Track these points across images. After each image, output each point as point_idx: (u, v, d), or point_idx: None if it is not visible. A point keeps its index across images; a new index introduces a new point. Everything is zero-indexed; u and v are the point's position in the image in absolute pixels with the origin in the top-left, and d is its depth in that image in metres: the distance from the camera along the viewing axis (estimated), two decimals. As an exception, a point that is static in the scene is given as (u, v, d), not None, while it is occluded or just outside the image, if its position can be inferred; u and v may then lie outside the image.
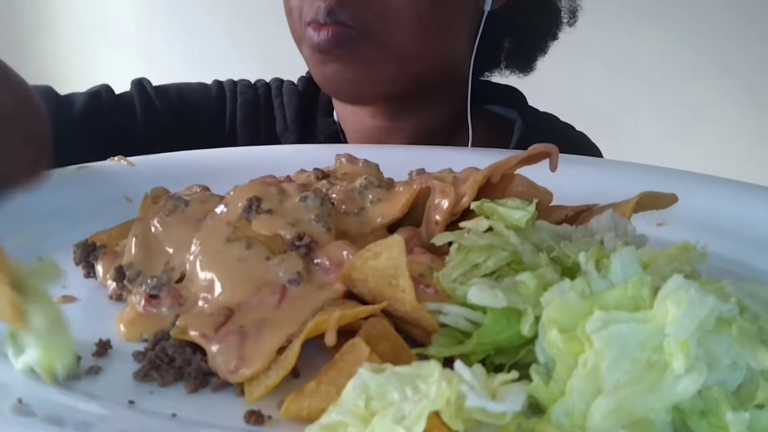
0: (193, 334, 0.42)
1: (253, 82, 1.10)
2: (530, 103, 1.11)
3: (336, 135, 1.03)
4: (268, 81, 1.10)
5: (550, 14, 1.07)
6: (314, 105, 1.07)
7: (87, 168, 0.76)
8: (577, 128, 1.14)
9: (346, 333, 0.39)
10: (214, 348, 0.40)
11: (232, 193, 0.52)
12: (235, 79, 1.09)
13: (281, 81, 1.10)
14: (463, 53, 0.98)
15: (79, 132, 0.92)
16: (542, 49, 1.10)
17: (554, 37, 1.10)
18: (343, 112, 1.04)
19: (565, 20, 1.09)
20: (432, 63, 0.93)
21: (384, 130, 1.01)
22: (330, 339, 0.38)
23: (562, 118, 1.15)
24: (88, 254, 0.54)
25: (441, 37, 0.91)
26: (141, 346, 0.44)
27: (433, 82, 0.95)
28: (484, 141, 1.00)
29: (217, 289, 0.45)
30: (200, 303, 0.46)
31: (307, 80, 1.08)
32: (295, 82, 1.09)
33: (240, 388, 0.39)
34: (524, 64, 1.11)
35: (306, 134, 1.03)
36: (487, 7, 0.93)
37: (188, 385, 0.40)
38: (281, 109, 1.05)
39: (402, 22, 0.85)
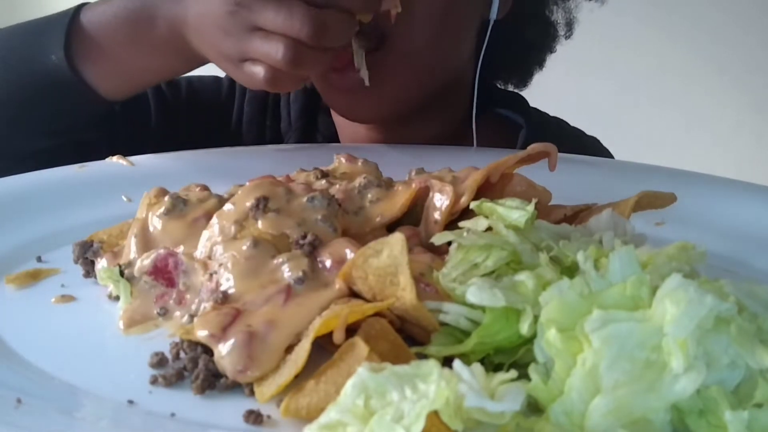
0: (200, 334, 0.42)
1: None
2: (530, 103, 1.10)
3: (335, 137, 1.03)
4: None
5: (544, 27, 1.06)
6: (317, 104, 1.06)
7: (87, 167, 0.76)
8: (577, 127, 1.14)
9: (345, 332, 0.39)
10: (222, 348, 0.40)
11: (239, 191, 0.52)
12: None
13: None
14: (467, 64, 0.97)
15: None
16: (539, 63, 1.10)
17: (551, 50, 1.09)
18: (340, 122, 1.03)
19: (561, 33, 1.08)
20: (444, 75, 0.92)
21: (381, 143, 1.00)
22: (339, 337, 0.38)
23: (561, 118, 1.14)
24: (85, 251, 0.55)
25: (453, 45, 0.90)
26: (141, 344, 0.44)
27: (437, 94, 0.94)
28: (490, 144, 0.99)
29: (222, 287, 0.45)
30: (203, 303, 0.46)
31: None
32: None
33: (249, 389, 0.39)
34: (519, 78, 1.10)
35: (307, 134, 1.03)
36: (493, 16, 0.91)
37: (195, 387, 0.40)
38: (287, 107, 1.04)
39: (417, 24, 0.83)
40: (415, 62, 0.85)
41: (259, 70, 0.72)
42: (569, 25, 1.08)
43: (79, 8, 0.85)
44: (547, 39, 1.07)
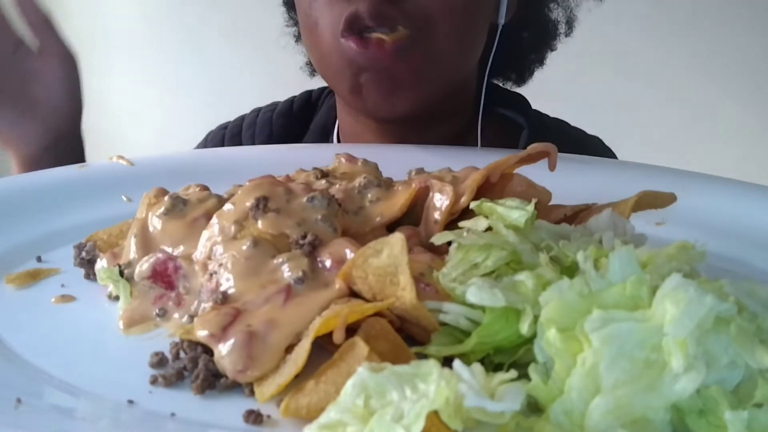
0: (200, 334, 0.42)
1: (227, 122, 1.14)
2: (531, 103, 1.10)
3: None
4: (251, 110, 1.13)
5: (545, 26, 1.07)
6: (304, 129, 1.07)
7: (87, 167, 0.76)
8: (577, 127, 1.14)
9: (345, 332, 0.39)
10: (222, 348, 0.40)
11: (239, 191, 0.52)
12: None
13: (258, 111, 1.12)
14: (475, 69, 0.97)
15: None
16: (539, 61, 1.10)
17: (552, 49, 1.09)
18: (347, 133, 1.03)
19: (561, 31, 1.08)
20: (460, 76, 0.92)
21: None
22: (339, 337, 0.38)
23: (562, 119, 1.14)
24: (81, 252, 0.55)
25: (471, 46, 0.90)
26: (141, 344, 0.44)
27: (446, 99, 0.93)
28: (492, 146, 0.99)
29: (222, 287, 0.45)
30: (203, 303, 0.46)
31: (304, 100, 1.09)
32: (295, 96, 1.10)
33: (249, 389, 0.39)
34: (519, 75, 1.10)
35: None
36: (501, 21, 0.91)
37: (195, 387, 0.40)
38: (250, 140, 1.07)
39: (442, 23, 0.82)
40: (442, 62, 0.85)
41: None
42: (569, 24, 1.08)
43: None
44: (548, 37, 1.07)
